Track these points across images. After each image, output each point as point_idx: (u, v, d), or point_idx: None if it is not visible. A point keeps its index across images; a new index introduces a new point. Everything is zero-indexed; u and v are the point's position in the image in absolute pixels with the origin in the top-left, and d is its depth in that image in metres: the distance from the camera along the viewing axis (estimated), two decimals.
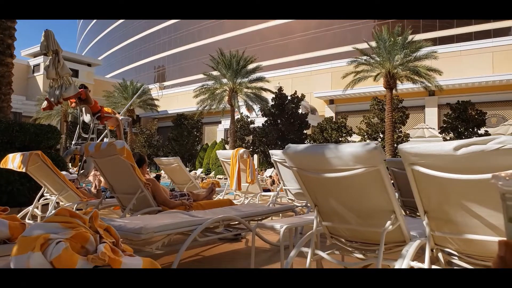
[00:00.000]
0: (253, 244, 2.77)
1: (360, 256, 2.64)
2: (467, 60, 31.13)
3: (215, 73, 27.40)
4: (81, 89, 6.80)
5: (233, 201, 5.37)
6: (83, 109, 7.25)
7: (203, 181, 11.40)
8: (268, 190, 7.08)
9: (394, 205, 2.23)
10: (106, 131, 8.00)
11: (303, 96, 28.34)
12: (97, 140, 7.68)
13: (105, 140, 7.50)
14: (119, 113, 8.72)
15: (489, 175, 1.82)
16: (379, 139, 24.59)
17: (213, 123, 39.36)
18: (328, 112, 35.86)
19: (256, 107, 27.54)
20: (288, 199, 5.29)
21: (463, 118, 23.34)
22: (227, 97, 26.48)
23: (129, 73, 57.52)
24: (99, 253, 1.54)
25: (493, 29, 33.39)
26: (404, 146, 1.99)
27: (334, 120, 28.32)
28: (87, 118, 7.30)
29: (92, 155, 3.87)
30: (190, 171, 21.88)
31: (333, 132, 26.40)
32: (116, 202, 4.31)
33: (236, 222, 3.39)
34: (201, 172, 22.64)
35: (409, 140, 23.98)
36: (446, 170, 1.88)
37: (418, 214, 2.76)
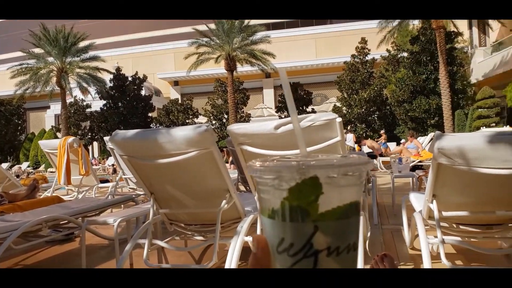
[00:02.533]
0: (83, 241, 2.50)
1: (201, 238, 2.66)
2: (295, 45, 34.88)
3: (37, 50, 23.55)
4: None
5: (65, 197, 4.80)
6: None
7: (29, 177, 9.90)
8: (107, 181, 6.56)
9: (228, 184, 2.28)
10: None
11: (145, 77, 27.20)
12: None
13: None
14: None
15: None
16: (224, 120, 25.60)
17: (40, 109, 34.42)
18: (174, 94, 35.44)
19: (93, 89, 25.04)
20: (129, 188, 5.00)
21: (294, 98, 26.10)
22: (55, 78, 23.17)
23: None
24: None
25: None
26: (232, 127, 2.03)
27: (180, 102, 28.15)
28: None
29: None
30: (12, 165, 18.71)
31: (179, 114, 26.26)
32: None
33: (66, 221, 3.01)
34: (28, 166, 19.56)
35: (250, 119, 25.71)
36: (269, 147, 2.00)
37: None
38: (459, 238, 2.20)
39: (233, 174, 5.53)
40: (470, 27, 23.32)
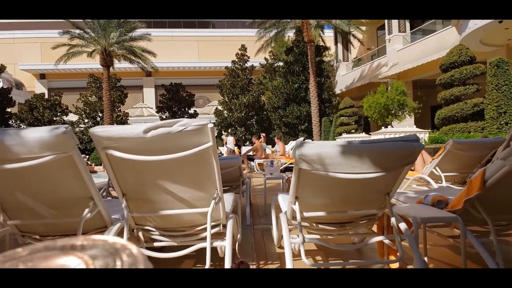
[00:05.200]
0: None
1: None
2: (178, 46, 34.37)
3: None
4: None
5: None
6: None
7: None
8: None
9: (92, 191, 2.11)
10: None
11: (3, 67, 23.59)
12: None
13: None
14: None
15: (176, 155, 1.97)
16: (98, 118, 23.76)
17: None
18: (40, 88, 31.59)
19: None
20: None
21: (176, 98, 25.75)
22: None
23: None
24: None
25: (197, 21, 38.06)
26: (95, 130, 1.88)
27: (46, 97, 25.15)
28: None
29: None
30: None
31: (45, 111, 23.44)
32: None
33: None
34: None
35: (128, 119, 24.38)
36: (138, 152, 1.90)
37: None
38: (318, 236, 2.42)
39: (106, 178, 5.15)
40: (336, 43, 26.17)
